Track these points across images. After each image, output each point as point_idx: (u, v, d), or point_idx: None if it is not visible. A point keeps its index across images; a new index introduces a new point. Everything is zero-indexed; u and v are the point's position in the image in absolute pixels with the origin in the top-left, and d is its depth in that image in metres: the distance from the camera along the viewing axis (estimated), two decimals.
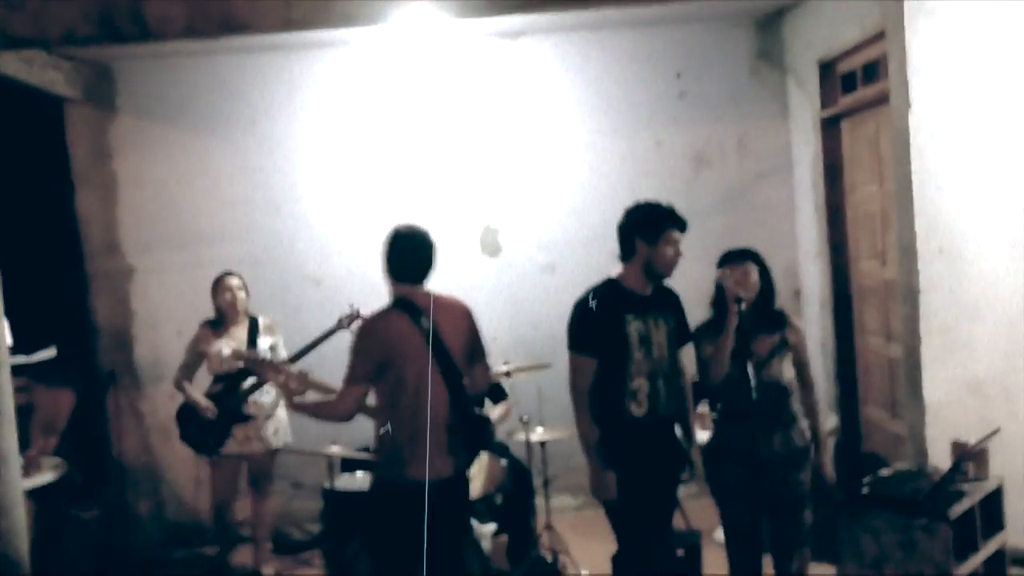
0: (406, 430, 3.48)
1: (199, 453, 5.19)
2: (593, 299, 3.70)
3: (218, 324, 5.15)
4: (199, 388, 5.12)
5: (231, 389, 5.03)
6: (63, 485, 5.12)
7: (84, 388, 5.76)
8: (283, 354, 5.12)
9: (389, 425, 3.51)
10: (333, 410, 3.53)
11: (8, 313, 4.18)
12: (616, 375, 3.63)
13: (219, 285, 5.13)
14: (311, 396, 3.75)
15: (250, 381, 5.01)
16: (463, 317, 3.66)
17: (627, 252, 3.71)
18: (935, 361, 4.30)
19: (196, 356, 5.16)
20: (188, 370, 5.16)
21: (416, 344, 3.47)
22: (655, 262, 3.65)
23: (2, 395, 3.90)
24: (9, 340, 4.62)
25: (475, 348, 3.69)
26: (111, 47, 5.44)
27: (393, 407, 3.49)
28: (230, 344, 5.08)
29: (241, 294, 5.15)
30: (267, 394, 5.10)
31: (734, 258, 3.73)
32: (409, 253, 3.58)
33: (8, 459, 3.91)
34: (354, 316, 4.86)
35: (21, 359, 4.93)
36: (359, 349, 3.49)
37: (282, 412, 5.21)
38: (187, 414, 5.09)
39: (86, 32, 3.74)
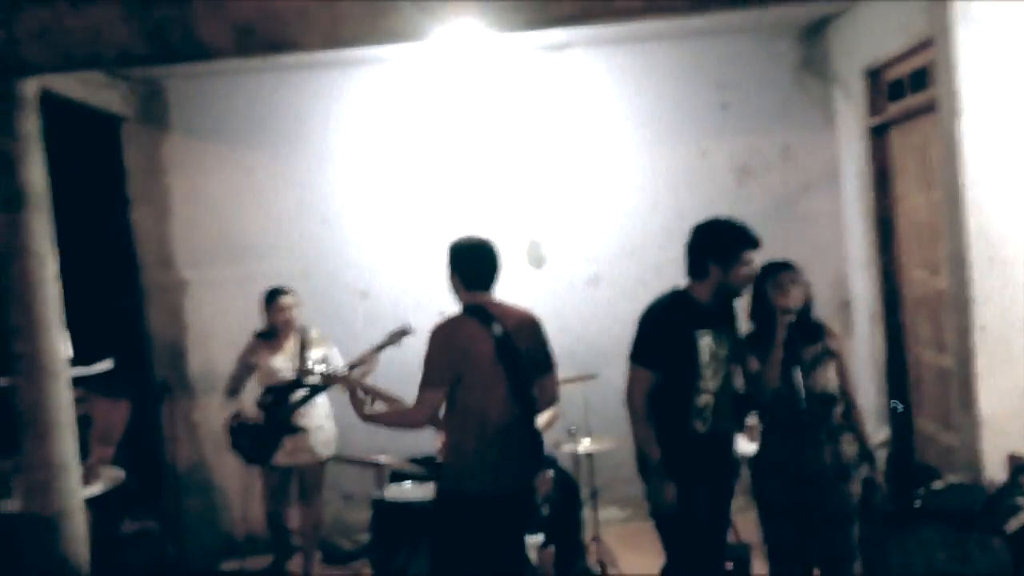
0: (476, 439, 3.46)
1: (249, 463, 5.28)
2: (662, 312, 3.65)
3: (270, 337, 5.24)
4: (248, 398, 5.22)
5: (281, 401, 5.11)
6: (119, 494, 5.23)
7: (139, 399, 5.88)
8: (339, 364, 5.19)
9: (459, 432, 3.50)
10: (410, 418, 3.52)
11: (67, 326, 4.30)
12: (683, 391, 3.58)
13: (274, 304, 5.20)
14: (378, 407, 3.79)
15: (301, 393, 5.09)
16: (532, 326, 3.66)
17: (699, 272, 3.66)
18: (989, 372, 4.23)
19: (247, 367, 5.25)
20: (238, 380, 5.26)
21: (488, 350, 3.46)
22: (730, 284, 3.61)
23: (62, 406, 4.00)
24: (68, 352, 4.74)
25: (544, 358, 3.68)
26: (164, 66, 5.59)
27: (463, 415, 3.48)
28: (282, 357, 5.18)
29: (295, 312, 5.23)
30: (317, 406, 5.18)
31: (776, 270, 3.70)
32: (479, 260, 3.63)
33: (68, 468, 4.01)
34: (404, 332, 4.91)
35: (80, 371, 5.05)
36: (435, 354, 3.47)
37: (331, 424, 5.28)
38: (238, 425, 5.17)
39: (141, 52, 3.84)
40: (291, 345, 5.22)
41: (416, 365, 3.51)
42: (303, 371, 5.11)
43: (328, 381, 4.31)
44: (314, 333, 5.29)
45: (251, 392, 5.25)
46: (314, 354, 5.17)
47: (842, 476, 3.61)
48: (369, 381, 4.34)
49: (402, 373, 4.98)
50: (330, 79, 6.16)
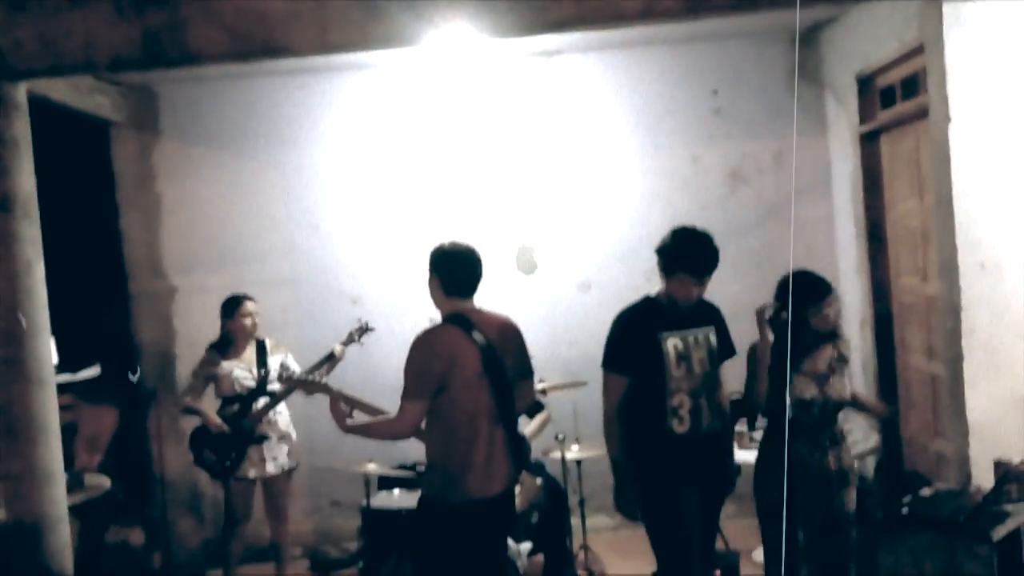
0: (459, 446, 3.44)
1: (215, 478, 5.19)
2: (628, 318, 3.74)
3: (226, 347, 5.14)
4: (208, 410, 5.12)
5: (244, 410, 5.04)
6: (106, 502, 5.20)
7: (127, 406, 5.85)
8: (296, 369, 5.13)
9: (441, 440, 3.48)
10: (393, 429, 3.49)
11: (54, 332, 4.28)
12: (653, 393, 3.63)
13: (238, 310, 5.10)
14: (360, 417, 3.75)
15: (263, 401, 5.02)
16: (512, 333, 3.65)
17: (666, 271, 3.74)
18: (978, 378, 4.22)
19: (204, 380, 5.13)
20: (196, 393, 5.12)
21: (472, 359, 3.44)
22: (670, 293, 3.69)
23: (48, 413, 3.98)
24: (55, 358, 4.71)
25: (523, 365, 3.69)
26: (155, 71, 5.57)
27: (447, 423, 3.45)
28: (242, 366, 5.09)
29: (257, 319, 5.15)
30: (280, 414, 5.11)
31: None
32: (460, 268, 3.59)
33: (54, 476, 3.99)
34: (364, 329, 4.87)
35: (66, 377, 5.02)
36: (418, 364, 3.43)
37: (294, 431, 5.20)
38: (201, 438, 5.06)
39: (132, 57, 3.83)
40: (248, 353, 5.13)
41: (382, 368, 3.49)
42: (266, 379, 5.05)
43: (307, 389, 4.24)
44: (271, 341, 5.21)
45: (209, 404, 5.15)
46: (272, 362, 5.11)
47: (843, 481, 3.66)
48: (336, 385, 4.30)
49: (367, 377, 5.01)
50: (321, 85, 6.15)
